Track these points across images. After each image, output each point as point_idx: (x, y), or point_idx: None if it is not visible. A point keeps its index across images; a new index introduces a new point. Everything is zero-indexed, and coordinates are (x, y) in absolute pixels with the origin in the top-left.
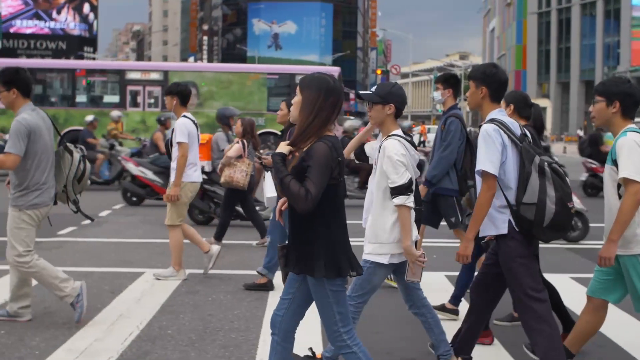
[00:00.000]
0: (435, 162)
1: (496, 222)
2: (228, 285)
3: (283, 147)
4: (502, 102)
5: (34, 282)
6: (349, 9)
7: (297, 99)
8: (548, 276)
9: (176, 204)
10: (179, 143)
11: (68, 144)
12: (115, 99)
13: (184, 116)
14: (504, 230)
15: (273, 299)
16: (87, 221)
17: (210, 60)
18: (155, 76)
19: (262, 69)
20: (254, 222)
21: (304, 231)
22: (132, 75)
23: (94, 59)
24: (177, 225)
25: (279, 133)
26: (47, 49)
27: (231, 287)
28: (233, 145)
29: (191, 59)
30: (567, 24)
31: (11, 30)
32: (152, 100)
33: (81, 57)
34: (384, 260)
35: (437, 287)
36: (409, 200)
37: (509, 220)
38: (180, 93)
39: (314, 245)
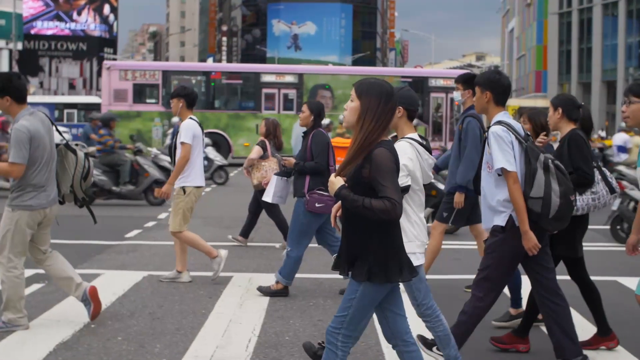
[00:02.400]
0: (465, 167)
1: (498, 215)
2: (322, 289)
3: (339, 181)
4: (550, 106)
5: (110, 287)
6: (368, 10)
7: (353, 105)
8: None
9: (181, 210)
10: (182, 143)
11: (69, 143)
12: (250, 102)
13: (190, 118)
14: (502, 223)
15: None
16: (151, 223)
17: (229, 60)
18: (290, 79)
19: (396, 72)
20: (280, 223)
21: (356, 235)
22: (267, 78)
23: (114, 59)
24: (182, 231)
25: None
26: (67, 50)
27: (326, 291)
28: (254, 148)
29: (210, 59)
30: (589, 24)
31: (32, 32)
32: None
33: (102, 58)
34: None
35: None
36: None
37: (510, 216)
38: (187, 96)
39: (363, 249)
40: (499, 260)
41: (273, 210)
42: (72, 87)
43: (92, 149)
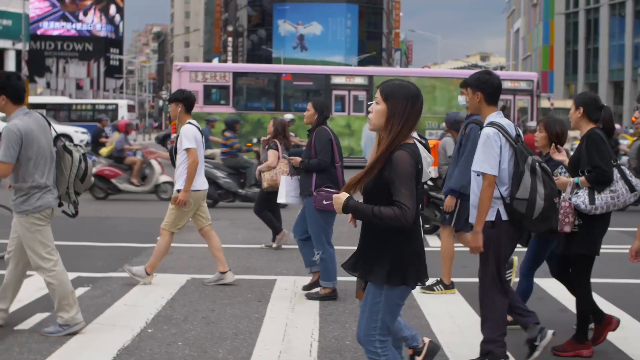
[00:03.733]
0: (460, 173)
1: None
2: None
3: (343, 195)
4: (572, 105)
5: (157, 290)
6: (374, 10)
7: (379, 107)
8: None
9: (180, 212)
10: (187, 149)
11: (67, 144)
12: None
13: (189, 123)
14: (492, 218)
15: (422, 302)
16: None
17: (235, 61)
18: (359, 81)
19: (464, 74)
20: (272, 223)
21: (374, 237)
22: (337, 80)
23: (120, 60)
24: (172, 232)
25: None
26: (73, 51)
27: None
28: (267, 152)
29: (215, 59)
30: (595, 25)
31: (38, 32)
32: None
33: (109, 59)
34: None
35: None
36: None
37: (497, 210)
38: (185, 100)
39: (382, 251)
40: (495, 254)
41: (273, 210)
42: (79, 87)
43: (210, 151)
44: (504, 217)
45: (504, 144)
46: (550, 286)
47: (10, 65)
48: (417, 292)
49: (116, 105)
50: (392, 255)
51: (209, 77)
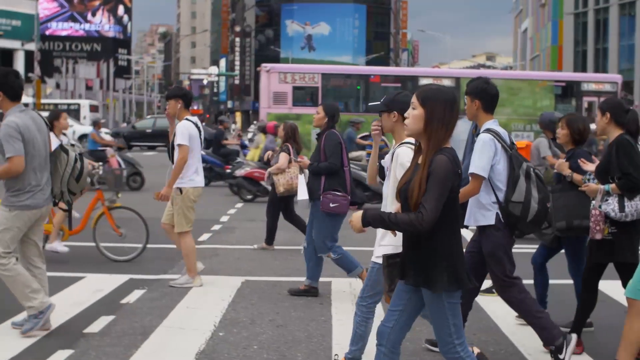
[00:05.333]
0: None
1: (487, 215)
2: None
3: (358, 213)
4: (598, 111)
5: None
6: (381, 10)
7: (416, 112)
8: None
9: (185, 209)
10: (179, 145)
11: (63, 143)
12: None
13: (187, 119)
14: (492, 222)
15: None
16: (217, 227)
17: (242, 61)
18: (447, 82)
19: (550, 76)
20: (297, 224)
21: (423, 243)
22: (425, 82)
23: (129, 60)
24: (187, 231)
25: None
26: (82, 51)
27: None
28: (279, 155)
29: (222, 60)
30: (605, 25)
31: (47, 33)
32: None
33: (117, 59)
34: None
35: None
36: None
37: (497, 214)
38: (184, 96)
39: (435, 257)
40: (504, 255)
41: (290, 208)
42: (88, 88)
43: (356, 153)
44: (502, 220)
45: (500, 149)
46: (611, 288)
47: (19, 66)
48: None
49: (78, 105)
50: (444, 259)
51: (297, 78)
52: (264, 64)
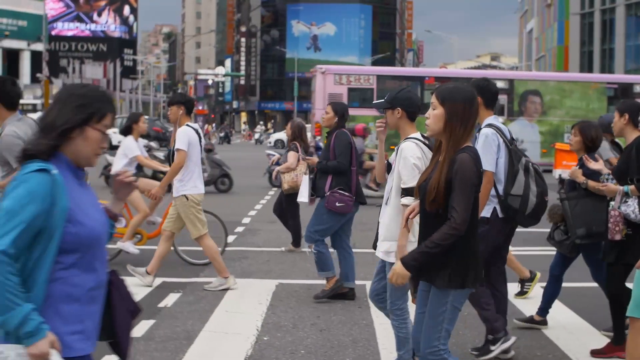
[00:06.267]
0: None
1: (484, 207)
2: None
3: (398, 263)
4: (616, 113)
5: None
6: (387, 10)
7: (437, 112)
8: None
9: (191, 216)
10: (177, 150)
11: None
12: None
13: (187, 125)
14: (487, 215)
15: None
16: (240, 228)
17: (248, 61)
18: (500, 84)
19: (602, 78)
20: (294, 228)
21: None
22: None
23: (134, 60)
24: (204, 234)
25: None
26: (88, 51)
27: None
28: (288, 154)
29: (228, 60)
30: (611, 25)
31: (53, 33)
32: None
33: (123, 60)
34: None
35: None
36: (415, 202)
37: (494, 208)
38: (187, 103)
39: (445, 254)
40: (485, 248)
41: (295, 216)
42: None
43: None
44: (500, 214)
45: (501, 144)
46: None
47: (25, 66)
48: (512, 298)
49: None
50: (454, 257)
51: (352, 79)
52: (318, 66)
